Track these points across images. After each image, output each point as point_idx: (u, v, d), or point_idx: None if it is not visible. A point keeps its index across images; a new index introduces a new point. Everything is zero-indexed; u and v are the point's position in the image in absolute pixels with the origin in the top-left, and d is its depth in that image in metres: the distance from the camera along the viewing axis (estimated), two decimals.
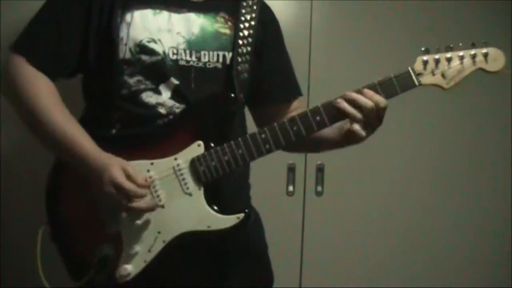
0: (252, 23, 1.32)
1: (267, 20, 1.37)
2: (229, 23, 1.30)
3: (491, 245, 2.15)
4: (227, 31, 1.29)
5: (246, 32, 1.30)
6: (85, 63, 1.25)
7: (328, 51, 2.05)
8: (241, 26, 1.30)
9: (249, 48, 1.29)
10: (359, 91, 1.15)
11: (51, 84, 1.22)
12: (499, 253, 2.15)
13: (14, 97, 1.22)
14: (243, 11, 1.32)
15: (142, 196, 1.13)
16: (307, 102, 2.13)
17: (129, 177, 1.13)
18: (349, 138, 1.18)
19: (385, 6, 2.05)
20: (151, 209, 1.15)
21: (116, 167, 1.12)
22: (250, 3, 1.34)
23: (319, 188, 2.15)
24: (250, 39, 1.30)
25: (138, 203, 1.13)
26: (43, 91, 1.19)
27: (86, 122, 1.22)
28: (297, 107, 1.40)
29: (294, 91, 1.43)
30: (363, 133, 1.15)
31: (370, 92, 1.15)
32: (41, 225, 1.28)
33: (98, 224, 1.19)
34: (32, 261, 2.05)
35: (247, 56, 1.29)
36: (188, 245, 1.18)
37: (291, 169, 2.04)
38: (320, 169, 2.05)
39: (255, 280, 1.35)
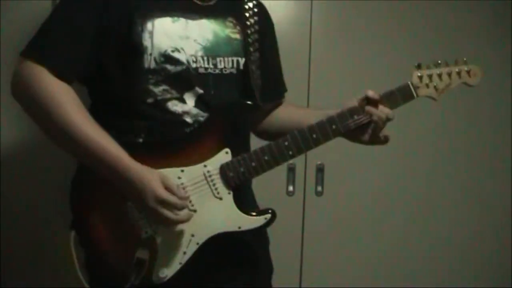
0: (256, 27, 1.44)
1: (266, 23, 1.51)
2: (238, 27, 1.41)
3: (491, 245, 2.17)
4: (237, 36, 1.40)
5: (253, 37, 1.43)
6: (101, 70, 1.30)
7: (328, 51, 2.09)
8: (249, 31, 1.42)
9: (257, 54, 1.43)
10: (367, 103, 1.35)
11: (73, 92, 1.26)
12: (499, 253, 2.15)
13: (35, 110, 1.25)
14: (247, 14, 1.44)
15: (183, 208, 1.23)
16: (307, 102, 2.13)
17: (168, 189, 1.22)
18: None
19: (385, 6, 2.11)
20: (189, 218, 1.25)
21: (157, 182, 1.21)
22: (251, 5, 1.46)
23: (319, 188, 2.17)
24: (257, 44, 1.44)
25: (179, 216, 1.23)
26: (69, 104, 1.22)
27: (106, 129, 1.25)
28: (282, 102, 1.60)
29: (284, 88, 1.61)
30: (384, 138, 1.40)
31: (381, 106, 1.35)
32: (68, 229, 1.35)
33: (131, 229, 1.27)
34: (33, 261, 2.05)
35: (258, 62, 1.44)
36: (219, 245, 1.31)
37: (291, 169, 2.07)
38: (320, 169, 2.08)
39: (268, 271, 1.51)
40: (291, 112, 1.56)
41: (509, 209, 2.23)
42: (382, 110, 1.34)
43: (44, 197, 1.95)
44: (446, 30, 2.19)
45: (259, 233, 1.41)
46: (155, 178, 1.20)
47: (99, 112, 1.31)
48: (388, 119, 1.34)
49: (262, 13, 1.49)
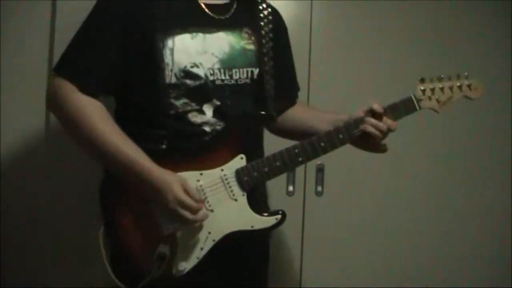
0: (271, 35, 1.58)
1: (280, 29, 1.66)
2: (253, 38, 1.56)
3: (491, 245, 2.17)
4: (251, 46, 1.55)
5: (268, 46, 1.57)
6: (126, 85, 1.46)
7: (328, 51, 2.11)
8: (263, 41, 1.56)
9: (272, 63, 1.57)
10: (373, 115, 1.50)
11: (99, 104, 1.42)
12: (499, 253, 2.15)
13: (67, 123, 1.43)
14: (262, 23, 1.58)
15: (198, 210, 1.39)
16: (307, 102, 2.13)
17: (187, 192, 1.38)
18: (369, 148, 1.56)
19: (385, 6, 2.12)
20: (206, 218, 1.41)
21: (177, 185, 1.37)
22: (266, 13, 1.59)
23: (319, 188, 2.19)
24: (271, 53, 1.58)
25: (196, 216, 1.38)
26: (95, 116, 1.39)
27: (131, 136, 1.42)
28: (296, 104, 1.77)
29: (297, 92, 1.76)
30: (383, 147, 1.54)
31: (385, 118, 1.49)
32: (97, 224, 1.46)
33: (154, 226, 1.42)
34: (33, 261, 2.05)
35: (272, 72, 1.57)
36: (233, 242, 1.47)
37: None
38: (320, 169, 2.10)
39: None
40: (302, 114, 1.71)
41: (510, 209, 2.23)
42: (385, 122, 1.49)
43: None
44: (446, 30, 2.20)
45: (264, 240, 1.62)
46: (176, 182, 1.37)
47: (125, 121, 1.48)
48: (390, 130, 1.50)
49: (277, 19, 1.64)
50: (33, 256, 2.01)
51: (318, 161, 2.17)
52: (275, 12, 1.65)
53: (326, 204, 2.20)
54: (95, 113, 1.39)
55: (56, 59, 2.02)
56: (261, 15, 1.58)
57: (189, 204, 1.36)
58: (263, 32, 1.56)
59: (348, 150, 2.03)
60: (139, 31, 1.42)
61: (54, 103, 1.44)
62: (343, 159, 2.14)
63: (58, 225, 2.00)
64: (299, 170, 2.17)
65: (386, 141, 1.53)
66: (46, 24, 2.04)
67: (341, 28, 2.21)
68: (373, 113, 1.49)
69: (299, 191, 2.19)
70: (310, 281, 2.20)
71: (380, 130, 1.48)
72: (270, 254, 1.67)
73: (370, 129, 1.48)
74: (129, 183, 1.40)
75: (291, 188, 2.18)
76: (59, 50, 2.02)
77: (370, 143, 1.52)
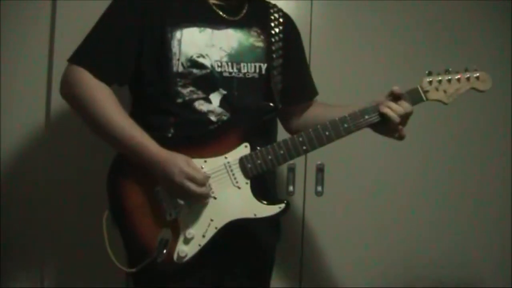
0: (281, 35, 1.63)
1: (292, 32, 1.70)
2: (261, 37, 1.60)
3: (492, 245, 2.16)
4: (260, 44, 1.60)
5: (277, 45, 1.60)
6: (138, 74, 1.52)
7: (328, 51, 2.10)
8: (273, 40, 1.60)
9: (280, 60, 1.61)
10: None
11: (110, 91, 1.47)
12: (499, 253, 2.15)
13: (79, 106, 1.47)
14: (272, 24, 1.62)
15: (204, 184, 1.42)
16: None
17: (192, 166, 1.42)
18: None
19: (385, 6, 2.10)
20: (208, 196, 1.44)
21: (183, 161, 1.41)
22: (277, 16, 1.65)
23: (319, 188, 2.20)
24: (281, 51, 1.61)
25: (202, 189, 1.41)
26: (108, 101, 1.44)
27: (141, 124, 1.46)
28: (313, 103, 1.79)
29: (313, 92, 1.79)
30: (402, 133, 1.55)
31: (401, 101, 1.51)
32: (103, 211, 1.49)
33: (158, 211, 1.46)
34: (34, 261, 2.05)
35: (280, 68, 1.60)
36: (235, 230, 1.47)
37: (291, 169, 2.11)
38: (320, 169, 2.11)
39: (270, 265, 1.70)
40: (318, 113, 1.73)
41: (510, 209, 2.24)
42: (401, 104, 1.50)
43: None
44: (447, 30, 2.20)
45: (273, 226, 1.60)
46: (181, 157, 1.42)
47: (137, 110, 1.56)
48: (407, 114, 1.51)
49: (288, 23, 1.70)
50: (33, 256, 2.01)
51: (318, 161, 2.18)
52: (286, 17, 1.71)
53: (326, 204, 2.20)
54: (105, 98, 1.43)
55: (56, 59, 2.03)
56: (272, 17, 1.64)
57: (194, 175, 1.39)
58: (273, 31, 1.61)
59: (348, 150, 2.03)
60: (152, 24, 1.49)
61: (66, 87, 1.48)
62: (343, 159, 2.16)
63: (58, 225, 2.01)
64: (299, 170, 2.18)
65: (386, 138, 1.54)
66: (46, 24, 2.04)
67: (341, 28, 2.21)
68: (393, 97, 1.51)
69: (299, 191, 2.19)
70: (310, 281, 2.21)
71: (395, 111, 1.48)
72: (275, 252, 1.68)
73: (386, 110, 1.49)
74: (136, 164, 1.44)
75: (291, 188, 2.19)
76: (59, 50, 2.02)
77: (388, 126, 1.51)
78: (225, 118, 1.51)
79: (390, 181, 2.25)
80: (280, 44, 1.61)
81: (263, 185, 1.53)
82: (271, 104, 1.52)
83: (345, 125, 1.50)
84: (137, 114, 1.52)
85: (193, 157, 1.44)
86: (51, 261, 2.01)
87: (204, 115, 1.50)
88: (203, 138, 1.49)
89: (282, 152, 1.48)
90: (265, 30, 1.61)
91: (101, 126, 1.44)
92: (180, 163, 1.40)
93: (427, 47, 2.23)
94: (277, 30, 1.62)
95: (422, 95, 1.51)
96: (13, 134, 2.01)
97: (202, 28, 1.52)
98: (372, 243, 2.25)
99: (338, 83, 2.19)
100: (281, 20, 1.65)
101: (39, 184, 2.03)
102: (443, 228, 2.27)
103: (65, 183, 2.01)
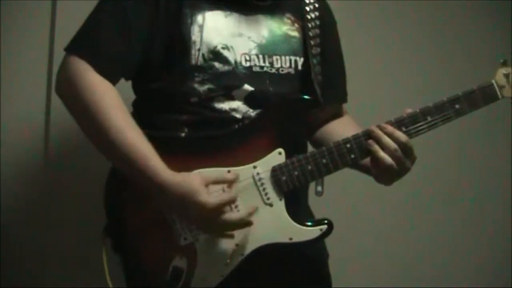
0: (317, 22, 1.35)
1: (328, 20, 1.42)
2: (296, 25, 1.33)
3: (492, 245, 2.17)
4: (296, 33, 1.33)
5: (314, 32, 1.33)
6: (148, 65, 1.24)
7: None
8: (309, 25, 1.32)
9: (318, 49, 1.33)
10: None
11: (116, 92, 1.19)
12: (499, 253, 2.16)
13: (74, 105, 1.19)
14: (307, 9, 1.34)
15: (233, 202, 1.15)
16: None
17: (214, 183, 1.14)
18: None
19: (385, 6, 2.09)
20: (250, 223, 1.16)
21: (202, 193, 1.10)
22: (312, 0, 1.36)
23: (319, 188, 2.15)
24: (318, 39, 1.34)
25: (240, 213, 1.14)
26: (111, 107, 1.15)
27: (146, 124, 1.19)
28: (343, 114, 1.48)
29: (343, 95, 1.48)
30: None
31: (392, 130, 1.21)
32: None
33: (169, 234, 1.19)
34: (33, 261, 2.07)
35: (319, 58, 1.33)
36: (266, 258, 1.20)
37: None
38: None
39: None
40: (346, 127, 1.41)
41: (510, 209, 2.25)
42: (392, 134, 1.22)
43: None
44: (447, 31, 2.21)
45: (316, 246, 1.32)
46: (198, 189, 1.11)
47: (140, 109, 1.29)
48: (402, 147, 1.25)
49: (324, 9, 1.41)
50: (33, 256, 2.02)
51: None
52: (322, 1, 1.42)
53: (326, 204, 2.20)
54: (109, 101, 1.15)
55: (56, 59, 2.03)
56: (307, 1, 1.35)
57: (226, 200, 1.12)
58: (308, 16, 1.33)
59: None
60: (168, 6, 1.20)
61: (62, 83, 1.21)
62: None
63: (59, 225, 2.01)
64: None
65: None
66: (46, 24, 2.04)
67: (341, 28, 2.21)
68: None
69: None
70: None
71: (384, 146, 1.20)
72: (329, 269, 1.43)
73: (371, 145, 1.21)
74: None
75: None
76: (59, 50, 2.03)
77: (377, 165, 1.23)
78: (252, 114, 1.23)
79: None
80: (317, 31, 1.33)
81: (298, 202, 1.28)
82: (309, 97, 1.24)
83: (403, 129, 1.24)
84: (140, 112, 1.26)
85: (212, 165, 1.17)
86: (51, 261, 2.01)
87: (226, 113, 1.22)
88: (226, 140, 1.21)
89: (324, 161, 1.22)
90: (299, 16, 1.33)
91: (100, 136, 1.15)
92: (200, 199, 1.09)
93: (428, 47, 2.22)
94: (312, 15, 1.33)
95: (498, 92, 1.22)
96: (13, 134, 2.01)
97: (227, 12, 1.23)
98: (372, 243, 2.24)
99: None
100: (316, 5, 1.36)
101: (39, 184, 2.03)
102: (444, 228, 2.28)
103: (65, 184, 2.01)
